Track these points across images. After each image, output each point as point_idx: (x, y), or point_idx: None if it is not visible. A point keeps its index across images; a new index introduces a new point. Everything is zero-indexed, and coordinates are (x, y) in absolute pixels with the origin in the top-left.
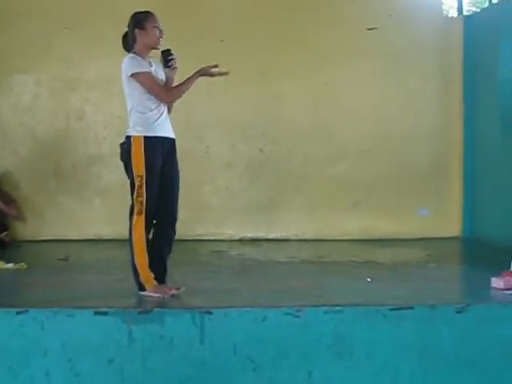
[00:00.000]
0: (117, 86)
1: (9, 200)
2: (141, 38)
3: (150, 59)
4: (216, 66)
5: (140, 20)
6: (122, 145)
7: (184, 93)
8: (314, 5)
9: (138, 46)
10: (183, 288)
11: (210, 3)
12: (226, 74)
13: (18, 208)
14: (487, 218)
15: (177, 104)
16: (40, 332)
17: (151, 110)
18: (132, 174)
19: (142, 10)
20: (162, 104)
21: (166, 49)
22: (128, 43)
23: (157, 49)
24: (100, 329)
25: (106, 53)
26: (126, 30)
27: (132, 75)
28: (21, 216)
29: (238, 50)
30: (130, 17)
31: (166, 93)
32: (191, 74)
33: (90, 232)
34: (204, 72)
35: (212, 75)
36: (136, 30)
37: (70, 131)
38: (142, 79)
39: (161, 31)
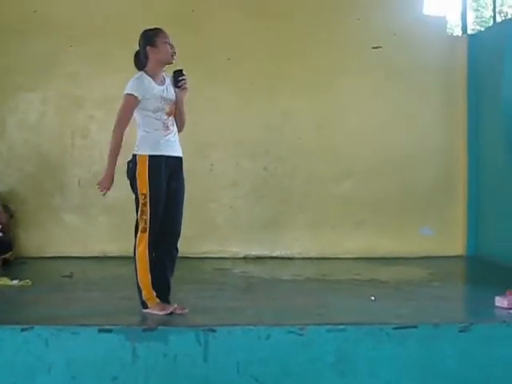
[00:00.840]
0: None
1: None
2: (153, 55)
3: (164, 74)
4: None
5: (150, 37)
6: (128, 163)
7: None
8: (320, 24)
9: (150, 64)
10: (186, 309)
11: (216, 21)
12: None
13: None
14: (491, 237)
15: None
16: (44, 349)
17: (156, 130)
18: (137, 191)
19: (150, 27)
20: (170, 123)
21: (178, 69)
22: (140, 61)
23: (171, 63)
24: (104, 346)
25: (112, 70)
26: (137, 48)
27: (125, 94)
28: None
29: (243, 68)
30: (140, 34)
31: (118, 127)
32: (112, 164)
33: (94, 249)
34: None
35: None
36: (148, 48)
37: (75, 149)
38: (124, 99)
39: (172, 46)
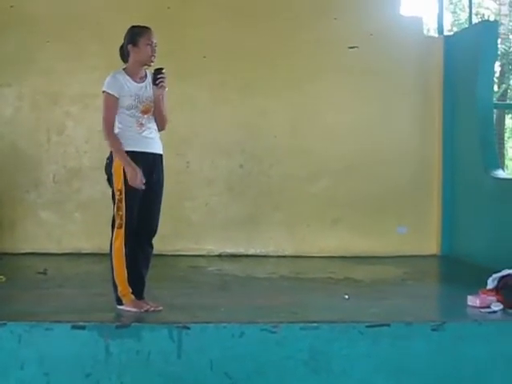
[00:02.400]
0: (98, 101)
1: None
2: (133, 54)
3: (148, 71)
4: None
5: (134, 35)
6: (107, 159)
7: (113, 148)
8: (297, 23)
9: (130, 61)
10: (160, 307)
11: (192, 19)
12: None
13: None
14: (465, 237)
15: None
16: (17, 345)
17: (130, 127)
18: (113, 187)
19: (127, 24)
20: (146, 120)
21: (158, 68)
22: (123, 55)
23: (149, 65)
24: (77, 343)
25: (89, 67)
26: (120, 43)
27: (103, 92)
28: None
29: (220, 66)
30: (127, 30)
31: (104, 126)
32: (124, 159)
33: (69, 246)
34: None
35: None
36: (129, 45)
37: (50, 145)
38: (104, 98)
39: (153, 49)
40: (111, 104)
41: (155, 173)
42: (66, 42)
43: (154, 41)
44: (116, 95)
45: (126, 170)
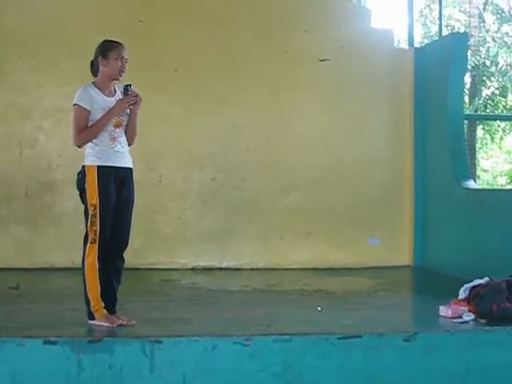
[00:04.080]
0: (70, 115)
1: None
2: (102, 67)
3: (116, 86)
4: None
5: (105, 49)
6: (78, 174)
7: (96, 133)
8: (268, 36)
9: (100, 75)
10: (133, 322)
11: (164, 32)
12: (136, 98)
13: None
14: (437, 247)
15: None
16: None
17: (102, 141)
18: (86, 203)
19: (98, 39)
20: (118, 134)
21: (127, 84)
22: (94, 69)
23: (118, 80)
24: (49, 358)
25: (60, 81)
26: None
27: (74, 105)
28: None
29: (191, 79)
30: (99, 43)
31: (77, 136)
32: (107, 115)
33: (41, 260)
34: (118, 108)
35: (129, 107)
36: (99, 58)
37: (23, 159)
38: (75, 111)
39: (123, 64)
40: (82, 117)
41: (126, 187)
42: (37, 56)
43: (125, 56)
44: (88, 108)
45: (116, 110)
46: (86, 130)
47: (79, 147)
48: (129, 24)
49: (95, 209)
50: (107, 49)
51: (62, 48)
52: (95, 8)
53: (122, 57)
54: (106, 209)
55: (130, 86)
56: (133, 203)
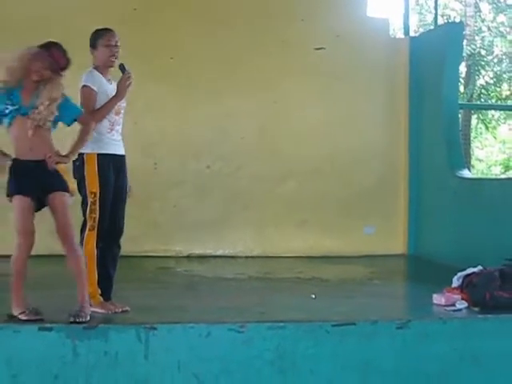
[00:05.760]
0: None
1: None
2: (94, 56)
3: (111, 77)
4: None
5: (94, 38)
6: (74, 162)
7: (105, 116)
8: (264, 25)
9: (96, 64)
10: (127, 308)
11: (158, 20)
12: (128, 75)
13: None
14: (431, 236)
15: (126, 120)
16: None
17: (103, 128)
18: (85, 190)
19: (92, 27)
20: (116, 122)
21: (120, 63)
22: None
23: (110, 66)
24: (45, 344)
25: None
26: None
27: (83, 86)
28: None
29: (187, 67)
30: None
31: (91, 115)
32: (114, 98)
33: (39, 247)
34: (123, 88)
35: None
36: (90, 49)
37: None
38: (84, 92)
39: (112, 50)
40: (92, 98)
41: (122, 174)
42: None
43: (114, 42)
44: (96, 90)
45: (122, 91)
46: (96, 111)
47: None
48: (123, 12)
49: (95, 196)
50: (95, 38)
51: (58, 37)
52: None
53: (110, 44)
54: (106, 196)
55: (123, 65)
56: (127, 190)
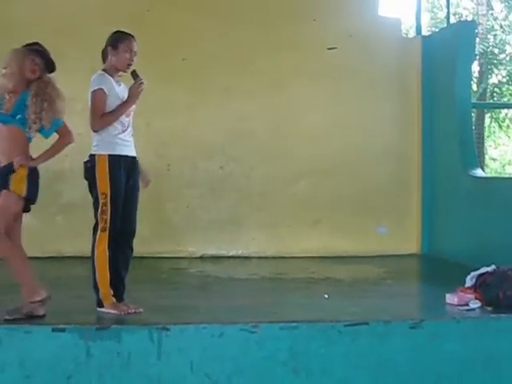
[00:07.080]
0: (78, 105)
1: None
2: (111, 57)
3: (119, 78)
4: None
5: (115, 40)
6: (85, 163)
7: (115, 119)
8: (276, 25)
9: (108, 64)
10: (140, 309)
11: (171, 22)
12: (141, 82)
13: None
14: (444, 236)
15: (139, 121)
16: None
17: (114, 129)
18: (96, 191)
19: (105, 28)
20: (127, 124)
21: (132, 70)
22: (104, 57)
23: (124, 72)
24: (58, 345)
25: (68, 71)
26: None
27: (94, 90)
28: None
29: (199, 68)
30: (111, 33)
31: (98, 120)
32: (128, 101)
33: (51, 249)
34: (135, 95)
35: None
36: (109, 48)
37: (31, 148)
38: (95, 95)
39: (131, 57)
40: (103, 101)
41: (133, 175)
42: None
43: (134, 49)
44: (107, 93)
45: (134, 96)
46: (107, 115)
47: (96, 131)
48: (136, 13)
49: (106, 197)
50: (118, 40)
51: (69, 39)
52: None
53: (132, 50)
54: (117, 198)
55: (135, 71)
56: (139, 191)
